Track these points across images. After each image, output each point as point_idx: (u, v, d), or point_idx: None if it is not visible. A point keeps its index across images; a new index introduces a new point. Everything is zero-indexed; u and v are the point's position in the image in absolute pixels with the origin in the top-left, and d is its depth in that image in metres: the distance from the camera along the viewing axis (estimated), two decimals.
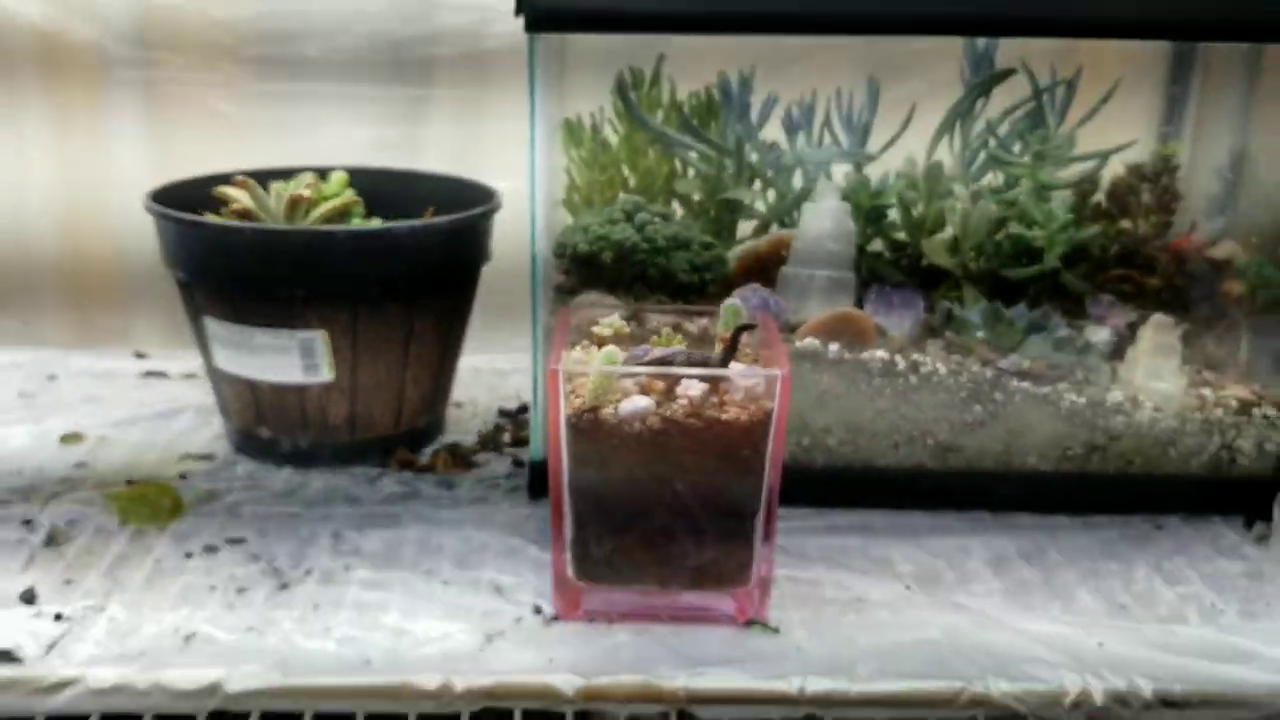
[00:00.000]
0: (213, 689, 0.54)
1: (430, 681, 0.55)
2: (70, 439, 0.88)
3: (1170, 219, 0.92)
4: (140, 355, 1.07)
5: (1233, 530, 0.80)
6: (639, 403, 0.64)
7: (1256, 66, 0.94)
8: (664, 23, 0.72)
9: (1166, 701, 0.57)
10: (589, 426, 0.64)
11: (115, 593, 0.68)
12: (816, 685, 0.56)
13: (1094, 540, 0.78)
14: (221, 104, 1.03)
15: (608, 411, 0.64)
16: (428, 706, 0.55)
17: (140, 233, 1.01)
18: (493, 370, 1.05)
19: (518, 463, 0.87)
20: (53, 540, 0.74)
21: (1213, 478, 0.81)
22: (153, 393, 0.99)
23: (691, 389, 0.64)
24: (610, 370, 0.63)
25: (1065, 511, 0.81)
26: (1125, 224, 0.92)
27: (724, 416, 0.63)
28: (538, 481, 0.81)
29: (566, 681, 0.56)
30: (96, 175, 1.07)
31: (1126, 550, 0.77)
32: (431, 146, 1.08)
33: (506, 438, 0.92)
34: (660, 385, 0.65)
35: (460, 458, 0.88)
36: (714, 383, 0.64)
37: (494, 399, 0.99)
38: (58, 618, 0.65)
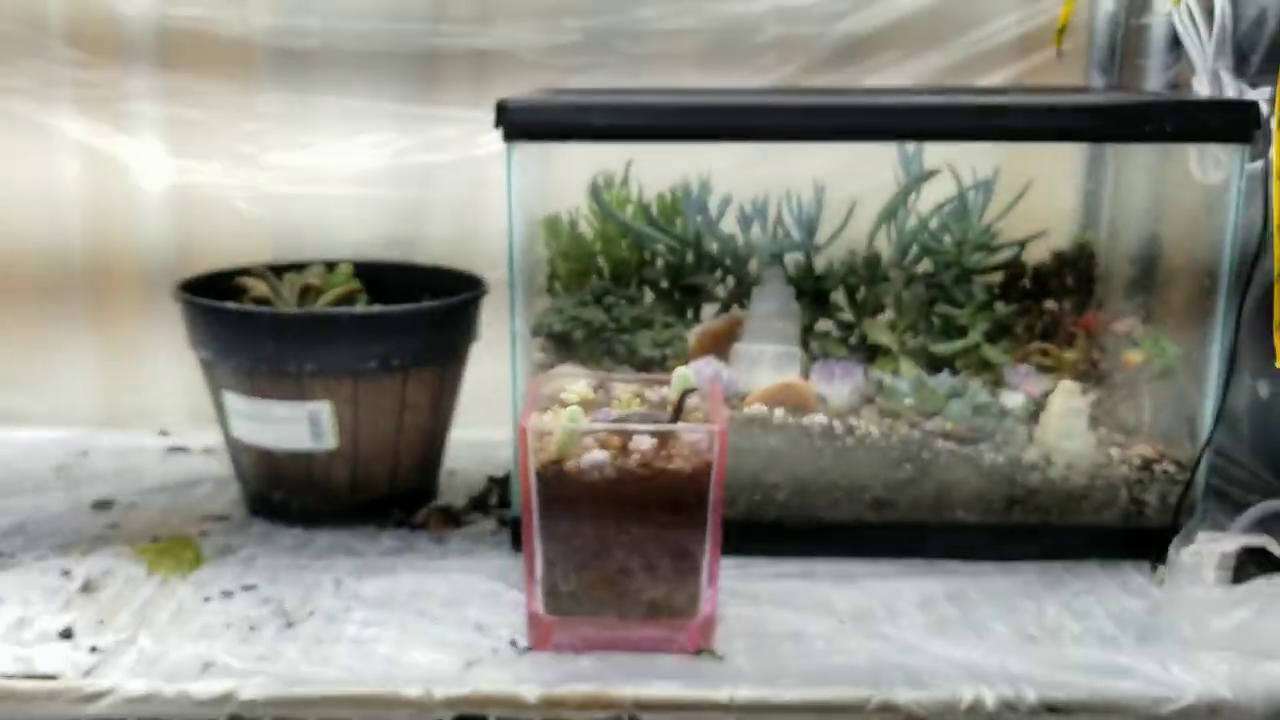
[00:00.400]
0: (227, 697, 0.64)
1: (414, 691, 0.64)
2: (102, 505, 0.99)
3: (1088, 299, 1.03)
4: (164, 433, 1.18)
5: (1140, 574, 0.89)
6: (597, 456, 0.74)
7: (1159, 164, 1.06)
8: (620, 134, 0.85)
9: (1050, 707, 0.66)
10: (554, 477, 0.74)
11: (143, 630, 0.77)
12: (745, 694, 0.65)
13: (1013, 583, 0.87)
14: (243, 205, 1.15)
15: (571, 464, 0.74)
16: (412, 714, 0.64)
17: (165, 320, 1.14)
18: (485, 443, 1.15)
19: (503, 521, 0.97)
20: (88, 588, 0.84)
21: (1123, 527, 0.91)
22: (176, 465, 1.10)
23: (643, 444, 0.75)
24: (573, 427, 0.74)
25: (990, 559, 0.90)
26: (1049, 304, 1.03)
27: (670, 467, 0.74)
28: (519, 535, 0.91)
29: (530, 690, 0.65)
30: (127, 270, 1.20)
31: (1041, 591, 0.86)
32: (434, 242, 1.20)
33: (494, 500, 1.02)
34: (616, 441, 0.75)
35: (451, 517, 0.98)
36: (662, 438, 0.75)
37: (485, 467, 1.09)
38: (93, 650, 0.74)
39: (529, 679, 0.69)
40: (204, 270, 1.01)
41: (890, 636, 0.78)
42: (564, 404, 0.80)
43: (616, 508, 0.74)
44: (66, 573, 0.86)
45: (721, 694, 0.65)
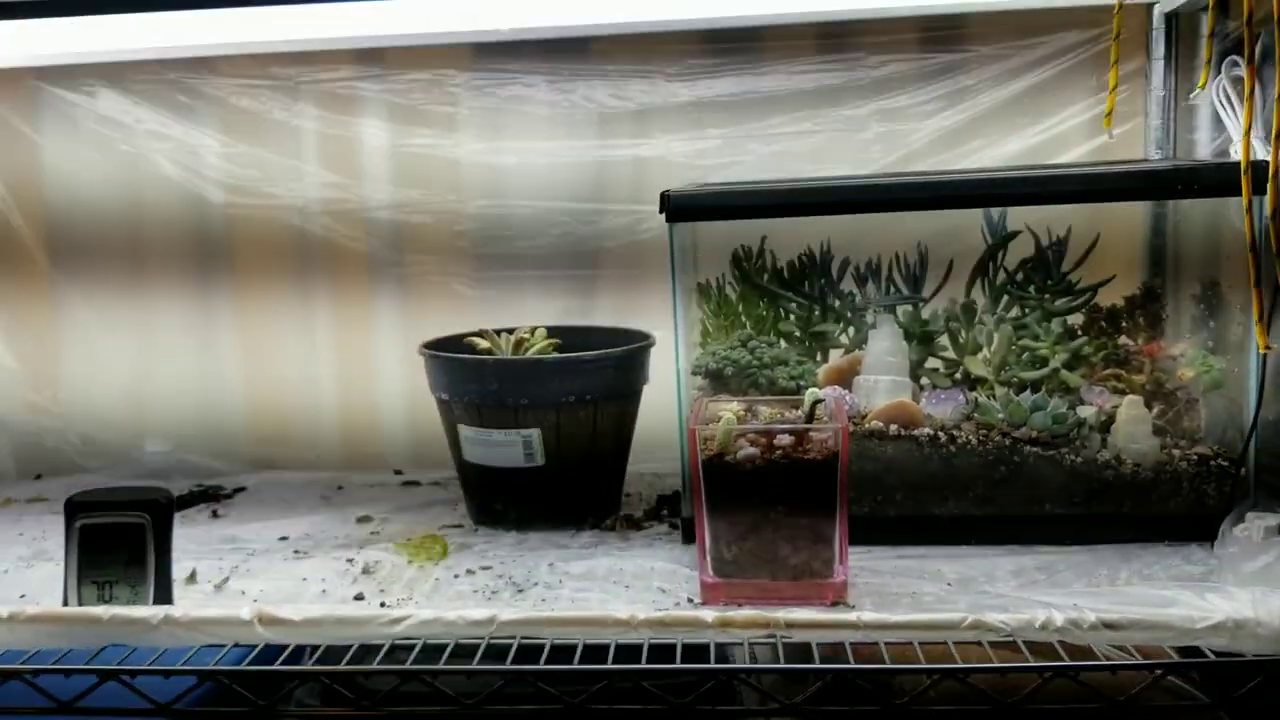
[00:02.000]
0: (491, 620, 0.88)
1: (623, 614, 0.88)
2: (364, 519, 1.27)
3: (1156, 332, 1.23)
4: (398, 472, 1.47)
5: (1203, 550, 1.07)
6: (749, 450, 0.98)
7: (1211, 217, 1.25)
8: (757, 212, 1.11)
9: (1107, 624, 0.85)
10: (717, 467, 0.98)
11: (415, 593, 1.04)
12: (869, 616, 0.87)
13: (1094, 558, 1.06)
14: (463, 287, 1.46)
15: (729, 457, 0.98)
16: (620, 632, 0.88)
17: (395, 386, 1.44)
18: (654, 475, 1.40)
19: (674, 525, 1.22)
20: (367, 570, 1.11)
21: (1187, 514, 1.10)
22: (412, 494, 1.39)
23: (784, 440, 0.98)
24: (731, 427, 0.98)
25: (1075, 543, 1.10)
26: (1122, 339, 1.23)
27: (806, 458, 0.97)
28: (688, 531, 1.15)
29: (708, 614, 0.88)
30: (363, 344, 1.50)
31: (1117, 563, 1.05)
32: (603, 311, 1.47)
33: (665, 512, 1.26)
34: (764, 439, 0.99)
35: (633, 523, 1.23)
36: (798, 435, 0.99)
37: (654, 491, 1.34)
38: (382, 605, 1.01)
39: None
40: (437, 336, 1.30)
41: (988, 592, 0.99)
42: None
43: (766, 491, 0.98)
44: (350, 561, 1.13)
45: (851, 616, 0.87)
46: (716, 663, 0.91)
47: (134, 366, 1.53)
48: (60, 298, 1.52)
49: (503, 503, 1.21)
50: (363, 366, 1.51)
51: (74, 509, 0.96)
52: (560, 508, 1.21)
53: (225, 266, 1.51)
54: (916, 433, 1.12)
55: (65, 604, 0.95)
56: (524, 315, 1.40)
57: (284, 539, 1.21)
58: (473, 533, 1.22)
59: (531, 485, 1.20)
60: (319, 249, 1.49)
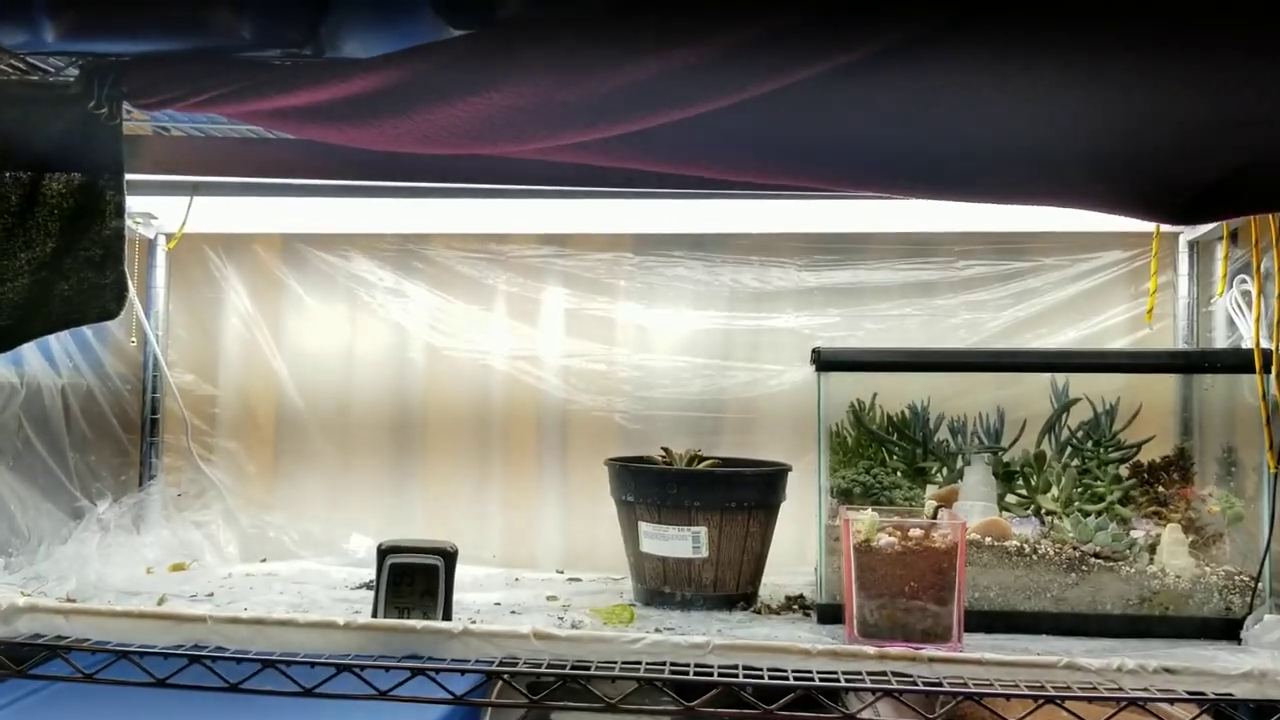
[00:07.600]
0: (707, 644, 1.19)
1: (805, 645, 1.18)
2: (552, 599, 1.57)
3: (1187, 480, 1.56)
4: (560, 571, 1.78)
5: (1230, 645, 1.37)
6: (889, 539, 1.30)
7: (1228, 393, 1.61)
8: (886, 367, 1.46)
9: (1166, 669, 1.16)
10: (864, 550, 1.30)
11: None
12: (990, 656, 1.17)
13: (1147, 644, 1.37)
14: (620, 420, 1.80)
15: (873, 542, 1.30)
16: (800, 660, 1.18)
17: (551, 502, 1.77)
18: (777, 585, 1.70)
19: (806, 612, 1.52)
20: (575, 626, 1.41)
21: (1218, 617, 1.40)
22: (579, 586, 1.69)
23: (915, 532, 1.31)
24: (874, 520, 1.31)
25: (1130, 636, 1.40)
26: (1160, 488, 1.56)
27: (932, 545, 1.29)
28: (820, 614, 1.45)
29: (869, 649, 1.18)
30: (534, 463, 1.84)
31: (1164, 649, 1.35)
32: (726, 447, 1.81)
33: (795, 605, 1.57)
34: (899, 532, 1.32)
35: (772, 610, 1.53)
36: (926, 529, 1.31)
37: (782, 593, 1.64)
38: None
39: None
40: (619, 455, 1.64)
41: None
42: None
43: (901, 569, 1.29)
44: (560, 619, 1.43)
45: (977, 655, 1.18)
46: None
47: (337, 473, 1.86)
48: (290, 412, 1.87)
49: (670, 586, 1.52)
50: (531, 478, 1.85)
51: (385, 552, 1.28)
52: (717, 593, 1.52)
53: (423, 394, 1.86)
54: (1007, 544, 1.45)
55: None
56: (665, 444, 1.74)
57: (497, 604, 1.52)
58: (645, 610, 1.52)
59: (696, 573, 1.51)
60: (501, 384, 1.85)
